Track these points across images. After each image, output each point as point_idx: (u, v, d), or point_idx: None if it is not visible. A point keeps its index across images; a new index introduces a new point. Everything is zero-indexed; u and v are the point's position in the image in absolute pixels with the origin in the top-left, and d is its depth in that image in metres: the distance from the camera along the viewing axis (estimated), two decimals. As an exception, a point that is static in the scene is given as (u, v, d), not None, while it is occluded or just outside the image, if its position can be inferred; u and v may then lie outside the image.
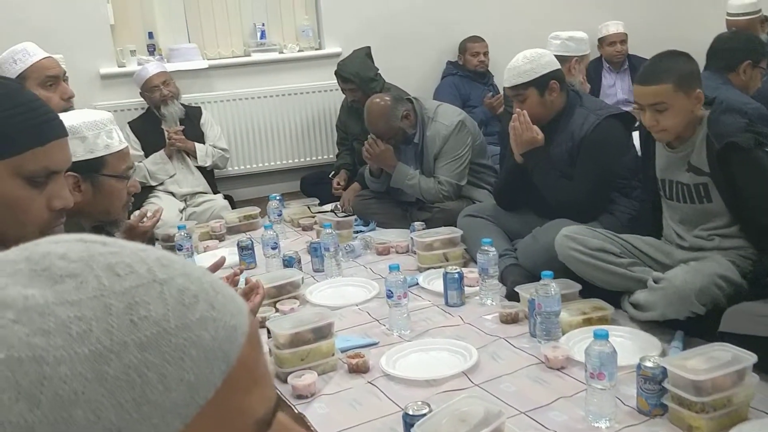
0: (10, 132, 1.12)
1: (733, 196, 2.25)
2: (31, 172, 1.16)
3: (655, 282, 2.27)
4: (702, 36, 4.85)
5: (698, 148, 2.29)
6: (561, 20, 4.67)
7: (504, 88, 4.03)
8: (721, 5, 4.63)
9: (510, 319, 2.49)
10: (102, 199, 1.90)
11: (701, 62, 3.60)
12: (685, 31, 5.07)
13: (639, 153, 2.74)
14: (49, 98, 2.55)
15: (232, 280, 2.09)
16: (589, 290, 2.52)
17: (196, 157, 4.12)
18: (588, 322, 2.38)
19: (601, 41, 5.05)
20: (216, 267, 2.07)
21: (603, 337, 1.84)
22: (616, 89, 5.05)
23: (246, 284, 2.04)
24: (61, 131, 1.21)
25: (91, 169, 1.86)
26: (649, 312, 2.26)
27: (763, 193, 2.19)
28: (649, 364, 1.87)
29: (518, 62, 2.86)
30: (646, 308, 2.28)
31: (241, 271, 2.09)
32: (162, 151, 4.05)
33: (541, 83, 2.84)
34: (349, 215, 3.64)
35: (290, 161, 4.80)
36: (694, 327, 2.20)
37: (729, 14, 4.54)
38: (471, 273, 2.82)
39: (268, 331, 2.25)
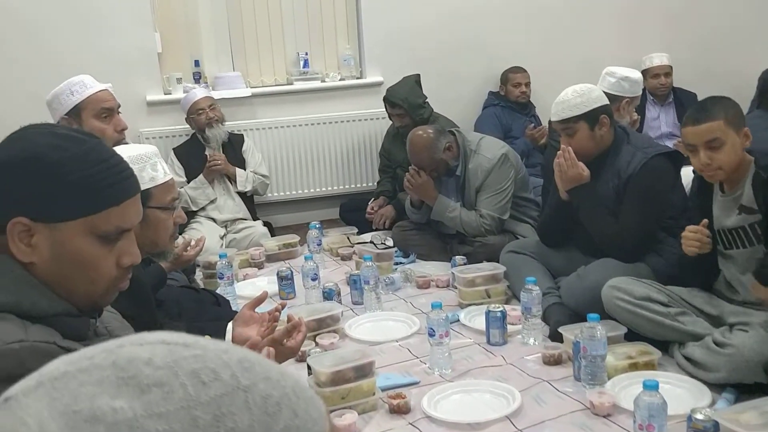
0: (92, 191, 1.11)
1: None
2: (105, 231, 1.14)
3: (717, 344, 2.18)
4: (750, 69, 4.79)
5: (747, 188, 2.26)
6: (604, 52, 4.63)
7: (550, 121, 4.03)
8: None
9: (553, 361, 2.44)
10: (149, 232, 1.91)
11: (751, 94, 3.55)
12: (732, 65, 5.01)
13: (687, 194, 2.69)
14: (103, 130, 2.60)
15: (273, 316, 2.08)
16: (634, 333, 2.46)
17: (236, 183, 4.16)
18: (634, 367, 2.32)
19: (645, 73, 4.97)
20: (258, 302, 2.06)
21: (653, 387, 1.79)
22: (660, 122, 4.97)
23: (288, 321, 2.02)
24: (136, 188, 1.20)
25: None
26: (711, 374, 2.18)
27: None
28: (700, 416, 1.82)
29: (568, 96, 2.82)
30: (706, 368, 2.20)
31: (283, 307, 2.08)
32: (201, 176, 4.09)
33: (591, 117, 2.79)
34: (389, 247, 3.62)
35: (329, 188, 4.82)
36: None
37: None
38: (513, 311, 2.78)
39: (309, 368, 2.24)
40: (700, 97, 4.82)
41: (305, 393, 0.45)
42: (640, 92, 3.53)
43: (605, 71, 3.45)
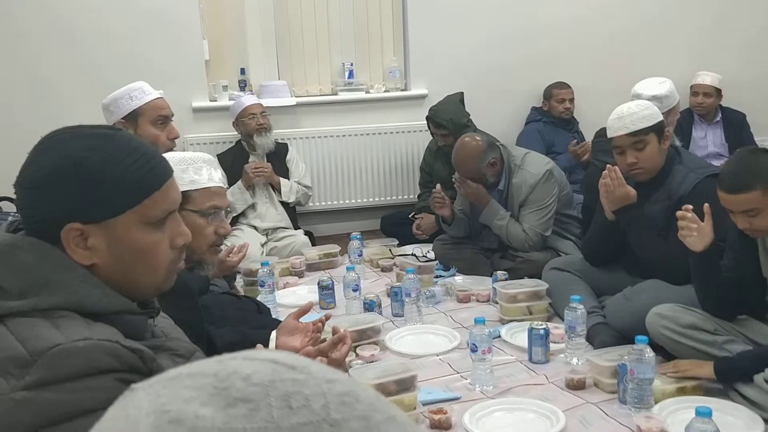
0: (134, 181, 1.14)
1: None
2: (154, 216, 1.17)
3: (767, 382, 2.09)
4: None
5: None
6: (652, 68, 4.55)
7: (595, 138, 3.98)
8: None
9: (575, 386, 2.38)
10: None
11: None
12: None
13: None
14: (157, 136, 2.65)
15: (317, 327, 2.08)
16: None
17: (280, 192, 4.18)
18: (681, 391, 2.27)
19: (691, 89, 4.90)
20: (303, 312, 2.07)
21: (706, 415, 1.75)
22: (707, 141, 4.89)
23: (333, 333, 2.02)
24: (170, 169, 1.23)
25: None
26: (765, 413, 2.11)
27: None
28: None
29: (633, 109, 2.76)
30: (759, 407, 2.13)
31: (328, 319, 2.07)
32: (240, 182, 4.12)
33: (659, 130, 2.74)
34: (430, 260, 3.61)
35: (371, 200, 4.83)
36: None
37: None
38: (556, 329, 2.74)
39: (351, 379, 2.23)
40: (749, 118, 4.81)
41: None
42: (675, 102, 3.44)
43: (633, 92, 3.38)
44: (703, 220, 2.31)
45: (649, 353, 2.17)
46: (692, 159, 2.94)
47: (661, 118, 2.78)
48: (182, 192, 1.88)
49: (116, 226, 1.14)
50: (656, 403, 2.20)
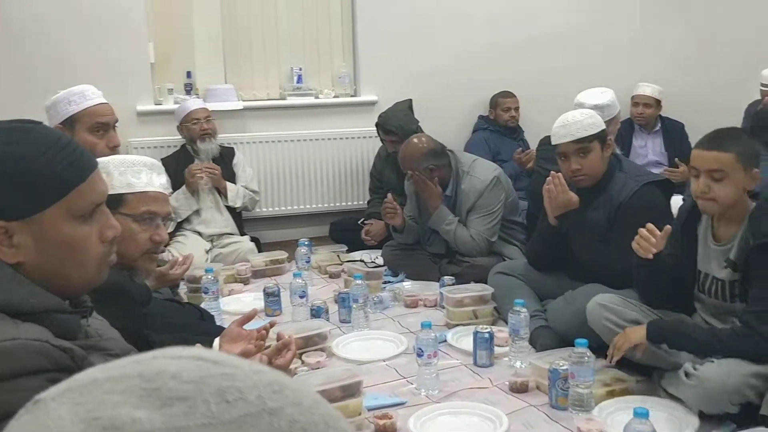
0: (54, 175, 1.12)
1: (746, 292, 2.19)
2: (81, 209, 1.15)
3: (687, 375, 2.14)
4: (738, 103, 4.88)
5: (738, 243, 2.23)
6: (594, 79, 4.65)
7: (538, 147, 4.05)
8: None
9: (518, 389, 2.41)
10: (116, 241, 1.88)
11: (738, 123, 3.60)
12: (723, 98, 5.07)
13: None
14: (95, 144, 2.53)
15: (261, 334, 2.06)
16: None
17: (227, 197, 4.13)
18: (611, 394, 2.32)
19: (632, 99, 5.03)
20: (247, 319, 2.04)
21: (643, 415, 1.79)
22: (647, 150, 5.02)
23: (278, 339, 2.00)
24: (94, 162, 1.21)
25: (107, 205, 1.85)
26: (685, 405, 2.17)
27: (760, 297, 2.10)
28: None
29: (578, 117, 2.82)
30: (680, 400, 2.19)
31: (272, 326, 2.05)
32: (184, 187, 4.06)
33: (602, 138, 2.81)
34: (379, 266, 3.61)
35: (320, 206, 4.81)
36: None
37: (763, 85, 4.54)
38: (500, 332, 2.77)
39: (296, 386, 2.21)
40: (687, 128, 4.96)
41: (338, 423, 0.44)
42: (617, 112, 3.52)
43: (576, 102, 3.45)
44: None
45: (589, 356, 2.22)
46: (632, 167, 3.02)
47: (603, 126, 2.86)
48: (117, 195, 1.85)
49: (42, 222, 1.11)
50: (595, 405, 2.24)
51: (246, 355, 1.73)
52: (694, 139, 4.98)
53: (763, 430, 1.88)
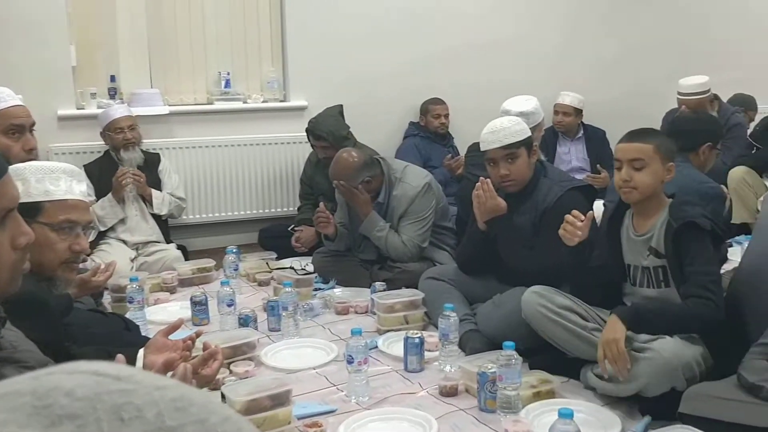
0: None
1: (681, 276, 2.29)
2: None
3: (637, 351, 2.20)
4: (656, 111, 5.07)
5: (659, 232, 2.35)
6: (520, 87, 4.76)
7: (467, 153, 4.11)
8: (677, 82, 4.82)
9: (448, 392, 2.43)
10: (33, 250, 1.81)
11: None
12: (643, 106, 5.27)
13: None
14: (9, 147, 2.45)
15: (187, 344, 2.01)
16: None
17: (152, 204, 4.03)
18: (537, 395, 2.36)
19: (554, 107, 5.17)
20: (173, 329, 1.99)
21: (568, 416, 1.83)
22: (571, 156, 5.16)
23: (204, 349, 1.96)
24: (4, 166, 1.17)
25: (24, 213, 1.78)
26: (630, 384, 2.19)
27: (700, 271, 2.22)
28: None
29: (505, 124, 2.88)
30: (608, 391, 2.26)
31: (198, 335, 2.01)
32: (110, 195, 3.95)
33: (529, 144, 2.89)
34: (309, 273, 3.59)
35: (249, 212, 4.74)
36: (654, 407, 2.18)
37: (680, 93, 4.73)
38: (431, 337, 2.79)
39: (223, 397, 2.17)
40: (608, 135, 5.13)
41: None
42: (541, 119, 3.61)
43: (502, 109, 3.53)
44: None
45: (517, 358, 2.25)
46: (556, 173, 3.10)
47: (529, 133, 2.93)
48: (34, 203, 1.79)
49: None
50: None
51: (169, 365, 1.68)
52: (615, 145, 5.20)
53: (680, 427, 1.95)
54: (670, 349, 2.15)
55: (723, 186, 4.04)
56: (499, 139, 2.84)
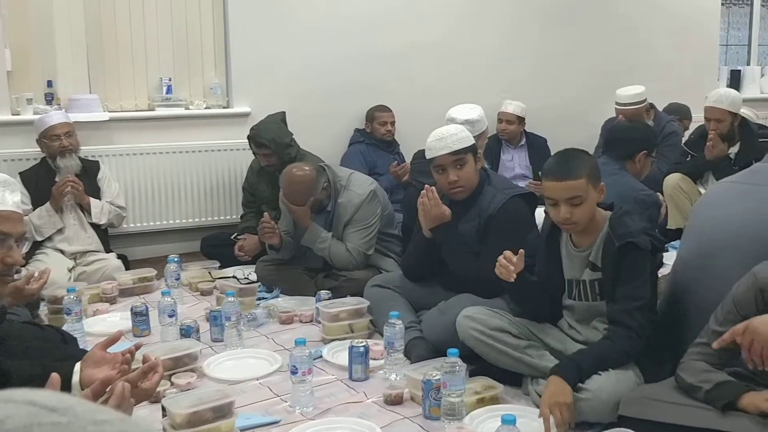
0: None
1: (612, 291, 2.33)
2: None
3: (578, 390, 2.19)
4: (596, 119, 5.20)
5: (598, 246, 2.37)
6: (465, 95, 4.81)
7: (413, 161, 4.13)
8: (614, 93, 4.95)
9: (393, 401, 2.43)
10: None
11: (594, 141, 3.82)
12: (582, 115, 5.39)
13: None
14: None
15: (126, 357, 1.96)
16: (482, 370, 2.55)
17: (91, 213, 3.93)
18: (481, 402, 2.38)
19: (498, 116, 5.25)
20: (111, 341, 1.95)
21: (511, 422, 1.84)
22: (514, 164, 5.24)
23: (144, 361, 1.92)
24: None
25: None
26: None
27: (630, 294, 2.26)
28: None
29: (452, 131, 2.90)
30: None
31: (138, 348, 1.96)
32: (48, 204, 3.83)
33: (474, 151, 2.92)
34: (252, 282, 3.54)
35: (191, 220, 4.65)
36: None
37: (618, 103, 4.86)
38: (376, 345, 2.78)
39: (163, 410, 2.12)
40: (550, 142, 5.24)
41: None
42: (485, 127, 3.65)
43: (447, 117, 3.56)
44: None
45: (461, 365, 2.27)
46: (500, 180, 3.14)
47: (473, 141, 2.96)
48: None
49: None
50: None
51: (107, 382, 1.64)
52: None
53: (620, 430, 1.98)
54: (606, 389, 2.14)
55: (659, 193, 4.19)
56: (448, 145, 2.86)
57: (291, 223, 3.67)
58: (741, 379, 1.97)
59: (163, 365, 2.41)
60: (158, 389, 2.32)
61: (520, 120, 5.21)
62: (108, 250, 4.02)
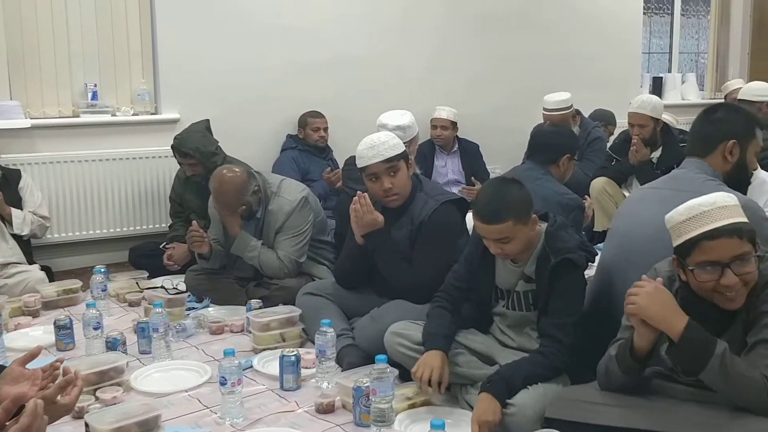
0: None
1: (545, 304, 2.38)
2: None
3: (505, 406, 2.19)
4: (525, 125, 5.31)
5: (533, 259, 2.39)
6: (396, 101, 4.82)
7: (344, 167, 4.12)
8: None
9: (324, 409, 2.42)
10: None
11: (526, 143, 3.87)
12: (512, 121, 5.49)
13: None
14: None
15: (48, 373, 1.89)
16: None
17: (11, 224, 3.78)
18: (412, 406, 2.39)
19: (431, 122, 5.30)
20: (31, 357, 1.87)
21: (440, 427, 1.85)
22: (447, 169, 5.31)
23: (63, 375, 1.85)
24: None
25: None
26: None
27: (564, 309, 2.30)
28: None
29: (383, 138, 2.90)
30: None
31: (61, 362, 1.90)
32: None
33: (406, 157, 2.93)
34: (181, 292, 3.47)
35: (118, 230, 4.54)
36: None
37: (545, 109, 4.98)
38: (308, 354, 2.77)
39: (86, 426, 2.06)
40: (482, 148, 5.32)
41: None
42: (416, 133, 3.68)
43: (378, 123, 3.57)
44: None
45: (389, 371, 2.27)
46: (432, 186, 3.16)
47: (404, 147, 2.97)
48: None
49: None
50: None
51: (21, 399, 1.57)
52: (488, 158, 5.40)
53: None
54: (531, 405, 2.14)
55: (586, 196, 4.30)
56: (380, 153, 2.86)
57: (221, 231, 3.62)
58: (661, 377, 2.03)
59: (88, 380, 2.36)
60: (81, 404, 2.26)
61: (454, 125, 5.28)
62: (31, 262, 3.88)
